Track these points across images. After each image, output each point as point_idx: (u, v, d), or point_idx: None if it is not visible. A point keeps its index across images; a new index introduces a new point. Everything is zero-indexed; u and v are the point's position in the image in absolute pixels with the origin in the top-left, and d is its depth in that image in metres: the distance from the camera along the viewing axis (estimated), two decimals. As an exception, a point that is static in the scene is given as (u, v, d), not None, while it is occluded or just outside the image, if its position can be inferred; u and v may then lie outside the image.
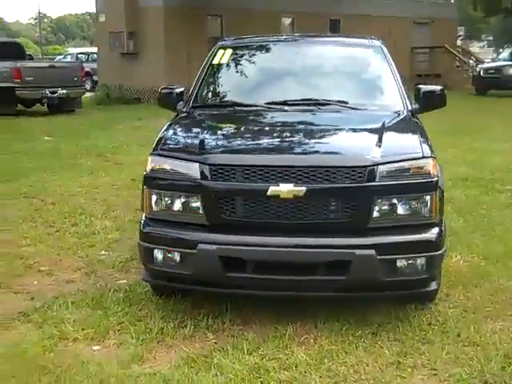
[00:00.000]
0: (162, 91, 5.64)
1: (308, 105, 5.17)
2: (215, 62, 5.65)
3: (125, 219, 6.98)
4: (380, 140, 4.32)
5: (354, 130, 4.81)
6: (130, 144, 12.77)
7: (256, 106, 5.20)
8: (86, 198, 8.03)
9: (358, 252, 3.99)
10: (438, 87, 5.44)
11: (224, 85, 5.64)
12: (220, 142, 4.54)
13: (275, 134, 4.67)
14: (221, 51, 5.73)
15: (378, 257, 3.99)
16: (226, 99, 5.42)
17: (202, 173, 4.13)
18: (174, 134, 4.64)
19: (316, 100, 5.18)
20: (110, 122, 16.87)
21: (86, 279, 5.25)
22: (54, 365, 3.84)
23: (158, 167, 4.31)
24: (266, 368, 3.82)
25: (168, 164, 4.28)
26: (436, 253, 4.14)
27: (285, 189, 4.00)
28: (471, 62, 29.61)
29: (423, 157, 4.20)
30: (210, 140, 4.43)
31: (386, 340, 4.16)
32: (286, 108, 5.10)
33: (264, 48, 5.97)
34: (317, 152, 4.38)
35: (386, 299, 4.54)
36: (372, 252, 3.98)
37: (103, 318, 4.45)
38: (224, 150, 4.39)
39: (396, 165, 4.11)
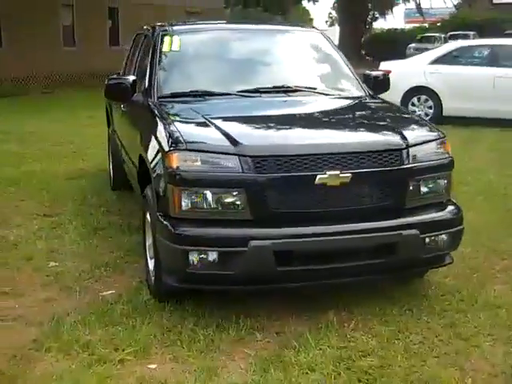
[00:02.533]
0: (110, 82, 5.20)
1: (278, 92, 5.12)
2: (165, 49, 5.32)
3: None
4: (396, 123, 4.46)
5: (364, 116, 4.88)
6: None
7: (229, 94, 5.03)
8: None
9: (404, 233, 4.09)
10: (381, 73, 5.71)
11: (185, 74, 5.33)
12: (249, 133, 4.34)
13: (295, 122, 4.57)
14: (167, 38, 5.42)
15: (421, 235, 4.12)
16: (194, 89, 5.11)
17: (243, 166, 3.92)
18: (182, 127, 4.28)
19: (288, 87, 5.14)
20: None
21: (67, 295, 4.68)
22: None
23: (187, 163, 3.98)
24: (349, 357, 3.78)
25: (200, 159, 3.98)
26: (460, 227, 4.37)
27: (332, 176, 3.95)
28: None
29: (443, 137, 4.41)
30: (235, 131, 4.19)
31: (424, 315, 4.31)
32: (261, 96, 5.01)
33: (215, 35, 5.75)
34: (354, 138, 4.38)
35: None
36: (416, 231, 4.11)
37: (130, 334, 4.05)
38: (262, 141, 4.19)
39: (425, 146, 4.28)
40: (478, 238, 5.71)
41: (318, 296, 4.49)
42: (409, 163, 4.15)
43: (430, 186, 4.29)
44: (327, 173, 3.94)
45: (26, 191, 7.68)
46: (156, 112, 4.67)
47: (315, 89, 5.23)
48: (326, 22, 77.45)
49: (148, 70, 5.20)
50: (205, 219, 4.00)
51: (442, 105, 12.81)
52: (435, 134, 4.44)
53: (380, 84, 5.60)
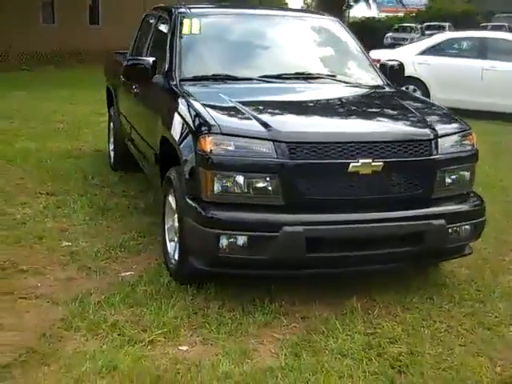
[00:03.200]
0: (130, 63, 5.16)
1: (299, 78, 5.14)
2: (185, 32, 5.29)
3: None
4: (423, 114, 4.51)
5: (391, 105, 4.91)
6: None
7: (251, 79, 5.04)
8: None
9: (433, 222, 4.14)
10: (396, 62, 5.75)
11: (207, 57, 5.31)
12: (282, 119, 4.35)
13: (324, 110, 4.60)
14: (186, 20, 5.38)
15: (447, 225, 4.19)
16: (216, 73, 5.10)
17: (277, 151, 3.93)
18: (214, 111, 4.26)
19: (309, 74, 5.17)
20: None
21: (86, 275, 4.66)
22: (165, 372, 3.45)
23: (221, 147, 3.97)
24: (378, 343, 3.83)
25: (234, 143, 3.98)
26: (483, 218, 4.45)
27: (364, 164, 3.99)
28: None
29: (469, 129, 4.47)
30: (267, 117, 4.21)
31: (445, 304, 4.38)
32: (285, 82, 5.02)
33: (235, 19, 5.73)
34: (386, 127, 4.41)
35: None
36: (443, 221, 4.17)
37: (156, 316, 4.04)
38: (296, 127, 4.19)
39: (452, 137, 4.34)
40: (485, 229, 5.77)
41: (338, 282, 4.53)
42: (437, 154, 4.21)
43: (456, 177, 4.35)
44: (360, 161, 3.97)
45: (25, 169, 7.58)
46: (182, 95, 4.64)
47: (335, 76, 5.24)
48: (302, 7, 77.31)
49: (168, 53, 5.16)
50: (236, 203, 4.01)
51: (429, 95, 12.92)
52: (462, 125, 4.50)
53: (396, 73, 5.66)
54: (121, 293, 4.32)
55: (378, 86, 5.33)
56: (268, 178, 3.95)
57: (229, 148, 3.96)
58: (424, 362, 3.65)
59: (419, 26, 38.54)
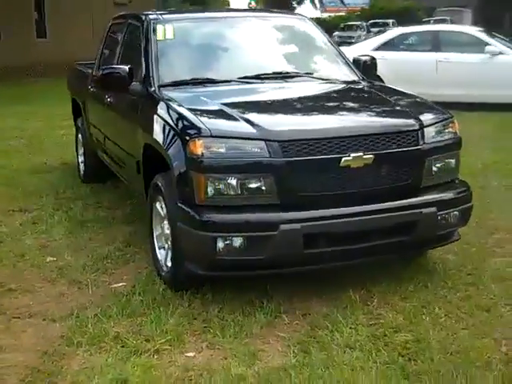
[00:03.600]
0: (106, 71, 5.10)
1: (277, 78, 5.16)
2: (159, 37, 5.25)
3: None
4: (405, 105, 4.57)
5: (373, 99, 4.95)
6: None
7: (230, 81, 5.03)
8: None
9: (424, 211, 4.19)
10: (369, 58, 5.81)
11: (183, 62, 5.27)
12: (270, 118, 4.35)
13: (309, 107, 4.61)
14: (159, 26, 5.34)
15: (438, 213, 4.24)
16: (195, 76, 5.07)
17: (270, 150, 3.93)
18: (200, 114, 4.24)
19: (286, 72, 5.19)
20: None
21: (78, 290, 4.57)
22: (178, 380, 3.42)
23: (212, 150, 3.95)
24: (383, 334, 3.86)
25: (226, 145, 3.96)
26: (470, 204, 4.52)
27: (356, 158, 4.01)
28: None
29: (452, 117, 4.54)
30: (255, 117, 4.21)
31: (440, 290, 4.43)
32: (264, 82, 5.04)
33: (207, 23, 5.71)
34: (374, 120, 4.46)
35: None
36: (434, 209, 4.22)
37: (157, 324, 3.99)
38: (287, 126, 4.19)
39: (437, 126, 4.40)
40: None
41: (331, 277, 4.52)
42: (424, 143, 4.26)
43: (442, 164, 4.41)
44: (351, 155, 4.00)
45: (-9, 188, 7.41)
46: (164, 100, 4.60)
47: (312, 74, 5.28)
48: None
49: (144, 59, 5.12)
50: (231, 205, 3.98)
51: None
52: (444, 114, 4.57)
53: (369, 68, 5.70)
54: (116, 304, 4.25)
55: (354, 82, 5.37)
56: (262, 178, 3.94)
57: (220, 150, 3.94)
58: (431, 348, 3.67)
59: (365, 24, 39.10)
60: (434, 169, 4.36)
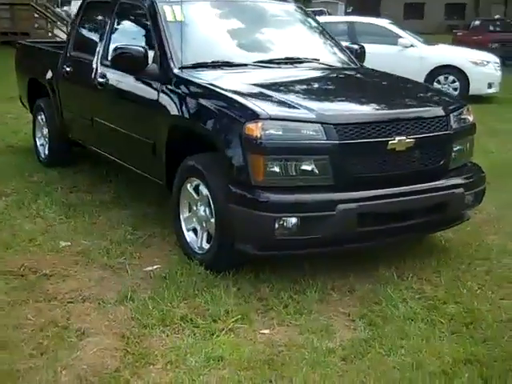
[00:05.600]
0: (120, 52, 5.01)
1: (288, 63, 5.32)
2: (170, 19, 5.23)
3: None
4: (427, 93, 4.88)
5: (396, 86, 5.21)
6: None
7: (247, 64, 5.12)
8: None
9: (455, 191, 4.51)
10: (358, 46, 6.08)
11: (199, 44, 5.25)
12: (321, 102, 4.47)
13: (347, 91, 4.80)
14: (168, 7, 5.31)
15: (465, 193, 4.58)
16: (214, 59, 5.10)
17: (326, 133, 4.09)
18: (251, 97, 4.31)
19: (298, 58, 5.35)
20: None
21: (114, 273, 4.51)
22: (275, 356, 3.52)
23: (270, 132, 4.04)
24: (435, 306, 4.13)
25: (284, 127, 4.07)
26: (485, 185, 4.89)
27: (400, 141, 4.26)
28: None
29: (466, 104, 4.88)
30: (305, 101, 4.35)
31: (460, 265, 4.78)
32: (280, 66, 5.18)
33: (214, 5, 5.71)
34: (412, 106, 4.67)
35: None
36: (462, 190, 4.55)
37: (217, 306, 4.02)
38: (340, 110, 4.36)
39: (459, 112, 4.72)
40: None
41: (358, 255, 4.72)
42: (451, 128, 4.56)
43: (463, 148, 4.74)
44: (396, 138, 4.23)
45: None
46: (200, 82, 4.61)
47: (319, 60, 5.46)
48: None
49: (157, 41, 5.07)
50: (288, 186, 4.10)
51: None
52: (462, 101, 4.89)
53: (359, 56, 5.95)
54: (164, 287, 4.24)
55: (357, 68, 5.61)
56: (318, 160, 4.08)
57: (278, 132, 4.04)
58: (485, 317, 3.97)
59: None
60: (457, 152, 4.67)
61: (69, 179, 6.78)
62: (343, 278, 4.48)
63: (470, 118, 4.84)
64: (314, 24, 6.03)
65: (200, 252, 4.56)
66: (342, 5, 45.13)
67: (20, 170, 7.10)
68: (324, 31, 6.00)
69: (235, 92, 4.38)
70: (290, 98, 4.37)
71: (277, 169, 4.04)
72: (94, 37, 6.22)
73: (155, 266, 4.61)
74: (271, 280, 4.38)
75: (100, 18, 6.27)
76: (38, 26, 26.59)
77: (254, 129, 4.02)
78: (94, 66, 5.90)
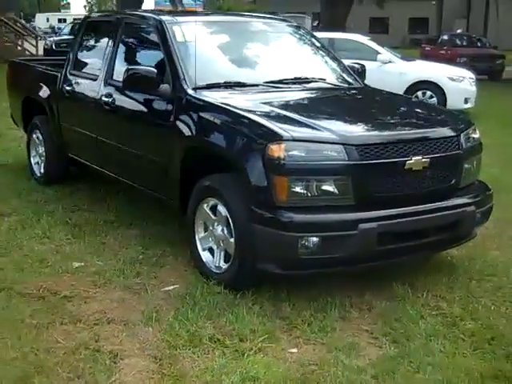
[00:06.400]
0: (132, 72, 5.06)
1: (295, 83, 5.42)
2: (179, 39, 5.29)
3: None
4: (436, 113, 5.00)
5: (405, 106, 5.32)
6: None
7: (257, 85, 5.20)
8: None
9: (467, 209, 4.64)
10: (359, 65, 6.21)
11: (209, 64, 5.31)
12: (340, 123, 4.56)
13: (362, 112, 4.90)
14: (177, 28, 5.38)
15: (476, 211, 4.71)
16: (226, 80, 5.17)
17: (348, 154, 4.18)
18: (266, 118, 4.39)
19: (305, 78, 5.45)
20: None
21: (134, 294, 4.52)
22: (308, 374, 3.59)
23: (294, 153, 4.12)
24: (454, 322, 4.23)
25: (306, 148, 4.15)
26: (493, 202, 5.03)
27: (417, 161, 4.37)
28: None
29: (473, 124, 5.03)
30: (324, 122, 4.43)
31: (469, 281, 4.90)
32: (290, 87, 5.27)
33: (220, 27, 5.79)
34: (426, 127, 4.78)
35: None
36: (473, 208, 4.68)
37: (241, 325, 4.07)
38: (358, 131, 4.46)
39: (467, 132, 4.85)
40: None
41: (372, 273, 4.80)
42: (462, 148, 4.69)
43: (471, 166, 4.87)
44: (413, 158, 4.34)
45: None
46: (217, 103, 4.67)
47: (325, 79, 5.57)
48: (85, 6, 75.50)
49: (169, 62, 5.11)
50: (309, 206, 4.18)
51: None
52: (469, 122, 5.03)
53: (360, 75, 6.07)
54: (186, 307, 4.27)
55: (363, 88, 5.73)
56: (340, 180, 4.17)
57: (301, 153, 4.12)
58: (505, 333, 4.08)
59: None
60: (467, 171, 4.80)
61: (67, 198, 6.75)
62: (359, 296, 4.56)
63: (477, 137, 4.97)
64: (317, 44, 6.13)
65: (217, 271, 4.60)
66: (309, 19, 45.46)
67: (16, 189, 7.06)
68: (327, 50, 6.11)
69: (254, 112, 4.46)
70: (308, 118, 4.45)
71: (300, 189, 4.12)
72: (97, 56, 6.22)
73: (173, 286, 4.63)
74: (290, 299, 4.44)
75: (103, 37, 6.29)
76: (7, 40, 26.33)
77: (278, 150, 4.09)
78: (99, 85, 5.91)
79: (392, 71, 13.61)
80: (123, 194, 6.63)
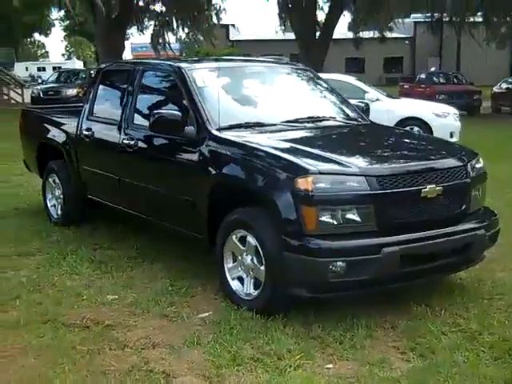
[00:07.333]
0: (158, 116, 5.42)
1: (309, 121, 5.82)
2: (200, 84, 5.68)
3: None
4: (442, 145, 5.43)
5: (412, 139, 5.75)
6: None
7: (275, 124, 5.59)
8: None
9: (478, 233, 5.02)
10: (363, 104, 6.65)
11: (229, 106, 5.66)
12: (360, 158, 4.90)
13: (376, 146, 5.29)
14: (197, 74, 5.77)
15: (485, 234, 5.09)
16: (246, 121, 5.56)
17: (370, 184, 4.55)
18: (295, 154, 4.74)
19: (318, 117, 5.86)
20: None
21: (171, 321, 4.81)
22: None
23: (320, 185, 4.48)
24: (473, 337, 4.57)
25: (331, 181, 4.52)
26: (499, 226, 5.41)
27: (431, 189, 4.76)
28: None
29: (478, 154, 5.44)
30: (345, 156, 4.81)
31: (482, 299, 5.25)
32: (305, 126, 5.67)
33: (237, 72, 6.20)
34: (437, 158, 5.16)
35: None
36: (483, 231, 5.06)
37: (278, 345, 4.36)
38: (378, 163, 4.84)
39: (473, 161, 5.26)
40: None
41: (389, 294, 5.13)
42: (470, 176, 5.09)
43: (478, 193, 5.26)
44: (428, 186, 4.73)
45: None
46: (243, 143, 5.04)
47: (335, 118, 5.99)
48: (63, 55, 76.36)
49: (191, 106, 5.48)
50: (336, 233, 4.53)
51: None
52: (474, 152, 5.44)
53: (365, 112, 6.50)
54: (224, 331, 4.56)
55: (371, 124, 6.15)
56: (363, 208, 4.53)
57: (327, 186, 4.49)
58: (520, 346, 4.42)
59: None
60: (474, 197, 5.18)
61: (87, 238, 7.03)
62: (382, 316, 4.87)
63: (482, 166, 5.38)
64: (324, 85, 6.56)
65: (247, 298, 4.90)
66: (287, 60, 46.52)
67: (35, 230, 7.32)
68: (334, 91, 6.53)
69: (278, 149, 4.83)
70: (328, 153, 4.83)
71: (327, 218, 4.47)
72: (115, 102, 6.59)
73: (207, 313, 4.92)
74: (318, 320, 4.74)
75: (120, 84, 6.66)
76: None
77: (305, 183, 4.45)
78: (120, 129, 6.26)
79: (380, 109, 14.07)
80: (142, 231, 6.93)
